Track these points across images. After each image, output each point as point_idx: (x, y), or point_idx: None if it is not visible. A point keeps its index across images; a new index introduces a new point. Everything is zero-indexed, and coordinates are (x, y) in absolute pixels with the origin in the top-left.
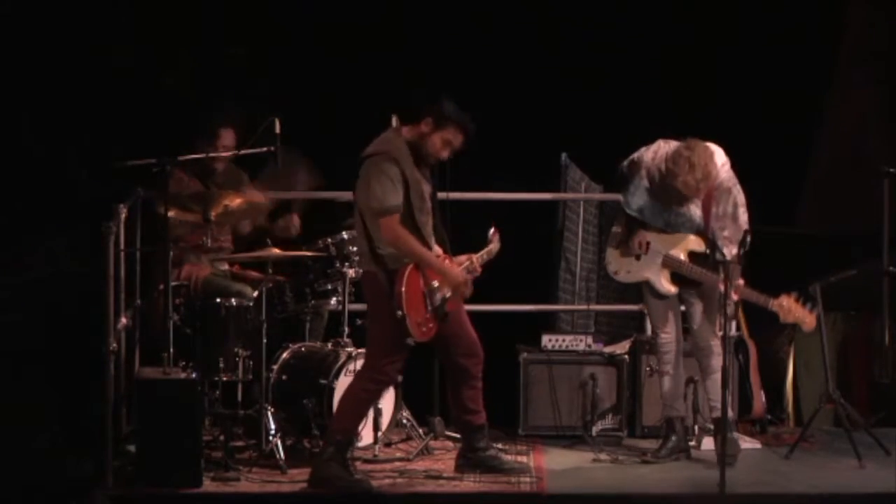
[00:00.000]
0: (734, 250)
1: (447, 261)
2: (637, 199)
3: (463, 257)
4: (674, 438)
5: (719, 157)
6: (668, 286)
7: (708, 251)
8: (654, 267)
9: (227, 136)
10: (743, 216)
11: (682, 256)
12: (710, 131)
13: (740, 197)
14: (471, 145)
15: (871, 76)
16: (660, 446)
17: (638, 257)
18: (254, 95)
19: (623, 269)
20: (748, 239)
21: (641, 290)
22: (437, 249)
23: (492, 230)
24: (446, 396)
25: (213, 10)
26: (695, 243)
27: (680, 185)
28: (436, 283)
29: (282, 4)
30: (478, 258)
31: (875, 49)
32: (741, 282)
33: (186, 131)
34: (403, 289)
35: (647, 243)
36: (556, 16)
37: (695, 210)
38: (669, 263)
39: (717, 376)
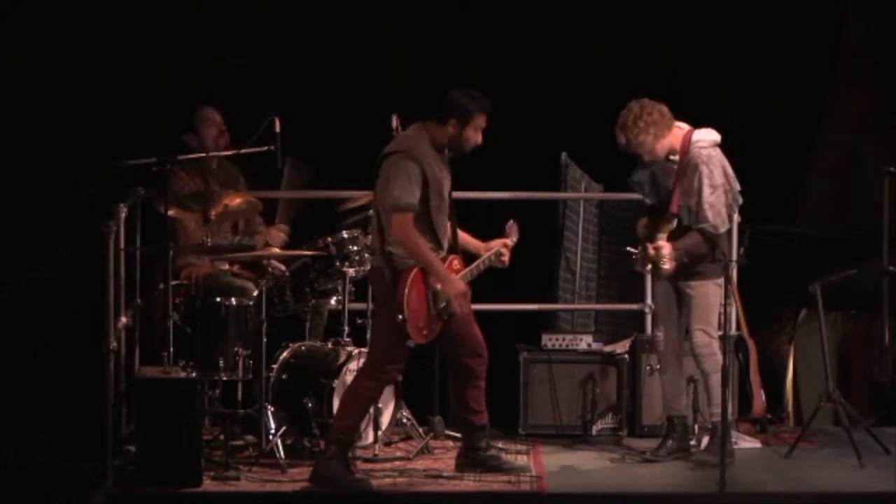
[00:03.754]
0: (700, 226)
1: (455, 261)
2: (640, 174)
3: (497, 242)
4: (674, 438)
5: (700, 134)
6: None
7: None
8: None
9: (214, 116)
10: (709, 196)
11: (664, 235)
12: None
13: (712, 178)
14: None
15: (871, 76)
16: (659, 445)
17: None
18: (253, 95)
19: (643, 262)
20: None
21: (642, 290)
22: (449, 244)
23: (510, 223)
24: (447, 395)
25: (213, 9)
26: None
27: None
28: (440, 286)
29: (282, 4)
30: (501, 247)
31: (875, 49)
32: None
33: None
34: (407, 292)
35: (650, 225)
36: (556, 16)
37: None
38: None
39: (711, 379)
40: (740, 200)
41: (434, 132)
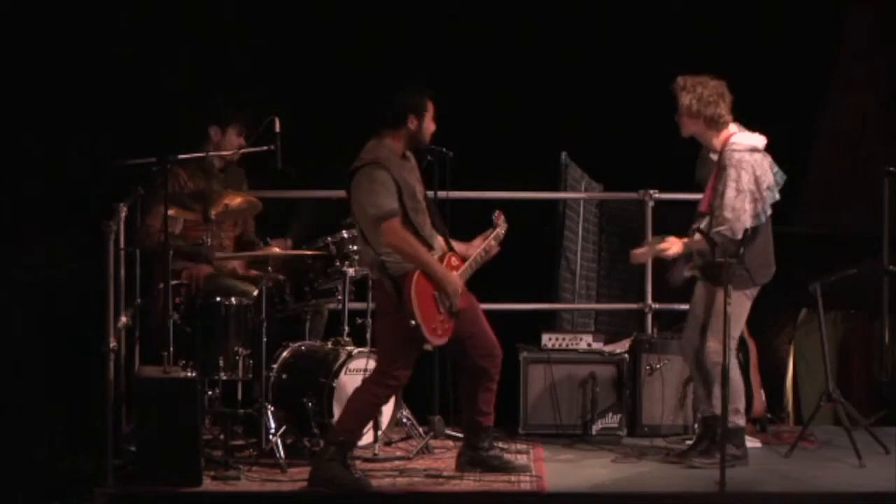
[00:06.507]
0: (717, 230)
1: (453, 258)
2: (702, 170)
3: (478, 240)
4: (707, 440)
5: (740, 136)
6: (689, 270)
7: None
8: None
9: (244, 132)
10: (732, 199)
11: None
12: None
13: (739, 181)
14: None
15: (871, 76)
16: (691, 447)
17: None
18: (253, 95)
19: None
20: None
21: (642, 290)
22: (441, 243)
23: (496, 213)
24: (448, 395)
25: (213, 8)
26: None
27: None
28: (438, 285)
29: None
30: (493, 238)
31: (875, 49)
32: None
33: (186, 130)
34: (413, 296)
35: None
36: (555, 15)
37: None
38: (690, 244)
39: (717, 388)
40: (769, 211)
41: (392, 138)
